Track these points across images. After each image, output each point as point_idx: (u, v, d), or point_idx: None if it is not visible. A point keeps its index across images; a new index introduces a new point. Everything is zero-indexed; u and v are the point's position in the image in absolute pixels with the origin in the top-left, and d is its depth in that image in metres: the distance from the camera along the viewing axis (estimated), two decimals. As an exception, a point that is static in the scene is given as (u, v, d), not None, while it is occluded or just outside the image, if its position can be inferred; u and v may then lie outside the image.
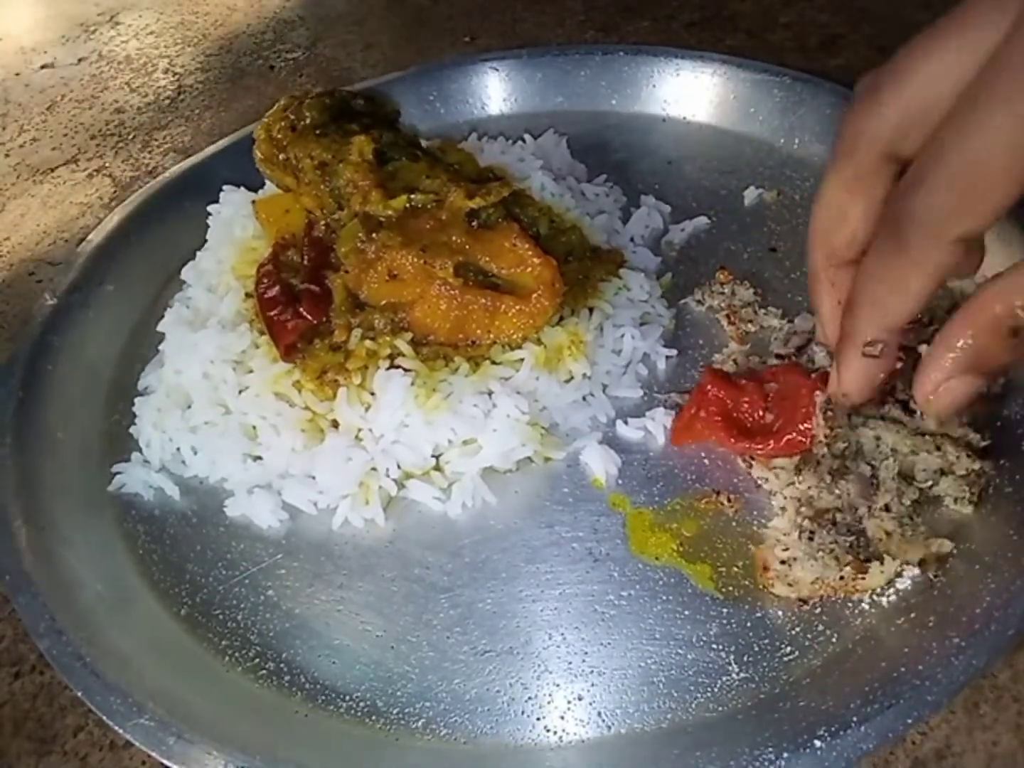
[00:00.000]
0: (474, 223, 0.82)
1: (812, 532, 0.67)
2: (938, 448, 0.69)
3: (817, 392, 0.70)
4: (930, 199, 0.49)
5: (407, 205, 0.81)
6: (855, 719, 0.55)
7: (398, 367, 0.79)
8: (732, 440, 0.75)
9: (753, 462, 0.75)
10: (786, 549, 0.68)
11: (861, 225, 0.58)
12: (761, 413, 0.76)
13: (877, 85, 0.54)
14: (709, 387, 0.77)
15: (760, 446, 0.74)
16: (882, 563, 0.65)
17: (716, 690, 0.63)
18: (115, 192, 1.25)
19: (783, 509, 0.71)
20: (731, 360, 0.84)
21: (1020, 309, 0.49)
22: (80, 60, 1.60)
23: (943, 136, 0.48)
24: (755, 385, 0.77)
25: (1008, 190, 0.46)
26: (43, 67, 1.59)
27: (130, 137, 1.37)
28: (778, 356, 0.82)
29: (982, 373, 0.53)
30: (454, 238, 0.81)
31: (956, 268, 0.51)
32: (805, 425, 0.71)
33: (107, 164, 1.32)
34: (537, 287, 0.80)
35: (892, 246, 0.52)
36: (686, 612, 0.67)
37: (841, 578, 0.65)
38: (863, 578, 0.65)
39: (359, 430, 0.79)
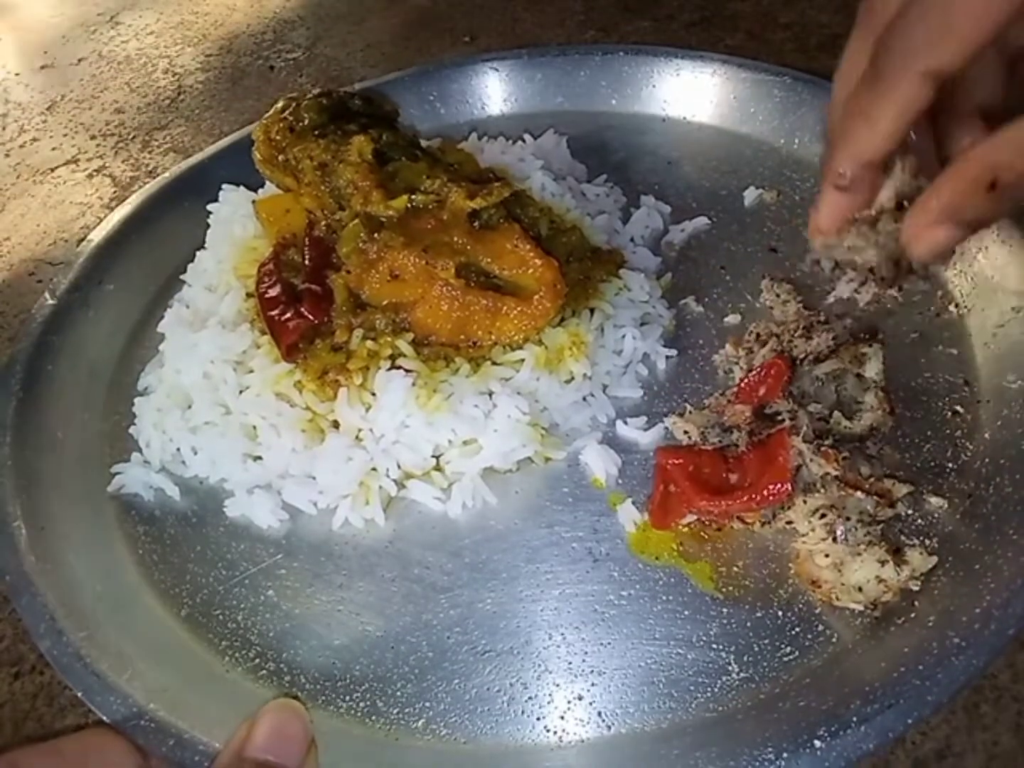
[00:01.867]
0: (475, 224, 0.82)
1: (843, 532, 0.67)
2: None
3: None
4: (904, 31, 0.51)
5: (408, 205, 0.81)
6: (855, 719, 0.55)
7: (399, 367, 0.79)
8: (710, 501, 0.71)
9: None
10: (827, 556, 0.66)
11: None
12: (725, 475, 0.73)
13: None
14: (668, 463, 0.74)
15: (740, 502, 0.70)
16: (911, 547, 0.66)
17: (716, 690, 0.63)
18: (115, 192, 1.25)
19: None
20: (683, 431, 0.79)
21: (999, 166, 0.50)
22: (80, 60, 1.60)
23: None
24: (710, 451, 0.75)
25: (976, 25, 0.49)
26: (43, 67, 1.59)
27: (130, 137, 1.37)
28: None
29: (963, 223, 0.54)
30: (455, 239, 0.81)
31: (923, 104, 0.52)
32: (777, 485, 0.69)
33: (107, 164, 1.32)
34: (539, 288, 0.80)
35: (868, 79, 0.54)
36: (686, 612, 0.67)
37: (898, 572, 0.64)
38: (907, 565, 0.65)
39: (359, 430, 0.79)
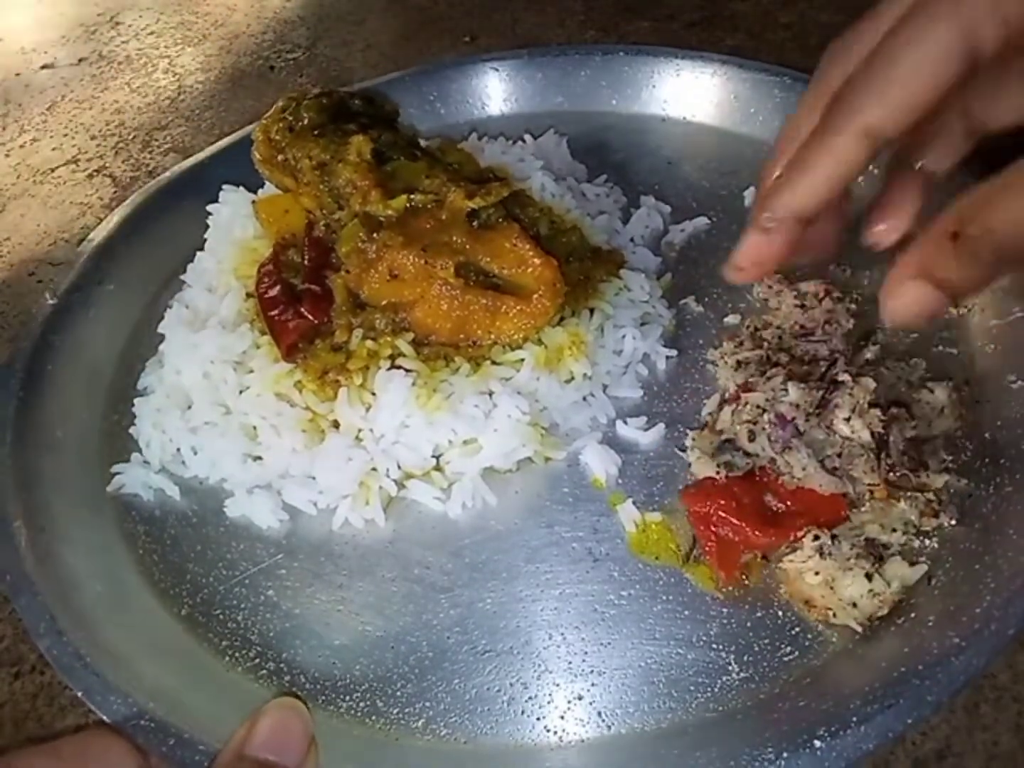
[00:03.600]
0: (475, 223, 0.82)
1: (828, 547, 0.66)
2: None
3: None
4: (851, 87, 0.52)
5: (407, 205, 0.81)
6: (855, 719, 0.55)
7: (399, 367, 0.79)
8: (766, 535, 0.68)
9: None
10: (817, 573, 0.66)
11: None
12: (762, 499, 0.71)
13: (854, 26, 0.57)
14: (709, 510, 0.70)
15: (796, 529, 0.68)
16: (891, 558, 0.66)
17: (716, 690, 0.63)
18: (115, 192, 1.25)
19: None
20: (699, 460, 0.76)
21: (961, 219, 0.50)
22: (80, 60, 1.60)
23: (877, 47, 0.52)
24: (737, 480, 0.72)
25: (918, 87, 0.50)
26: (43, 67, 1.59)
27: (130, 137, 1.37)
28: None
29: (938, 285, 0.52)
30: (455, 238, 0.81)
31: (862, 163, 0.53)
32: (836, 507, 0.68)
33: (107, 164, 1.32)
34: (538, 287, 0.80)
35: (813, 136, 0.55)
36: (686, 612, 0.67)
37: (888, 584, 0.64)
38: (896, 577, 0.65)
39: (359, 430, 0.79)
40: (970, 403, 0.77)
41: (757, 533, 0.69)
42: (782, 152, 0.62)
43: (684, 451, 0.78)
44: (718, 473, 0.73)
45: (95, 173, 1.30)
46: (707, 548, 0.70)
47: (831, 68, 0.58)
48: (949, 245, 0.50)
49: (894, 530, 0.67)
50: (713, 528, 0.70)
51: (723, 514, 0.70)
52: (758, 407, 0.73)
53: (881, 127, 0.51)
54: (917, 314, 0.53)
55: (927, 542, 0.68)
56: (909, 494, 0.68)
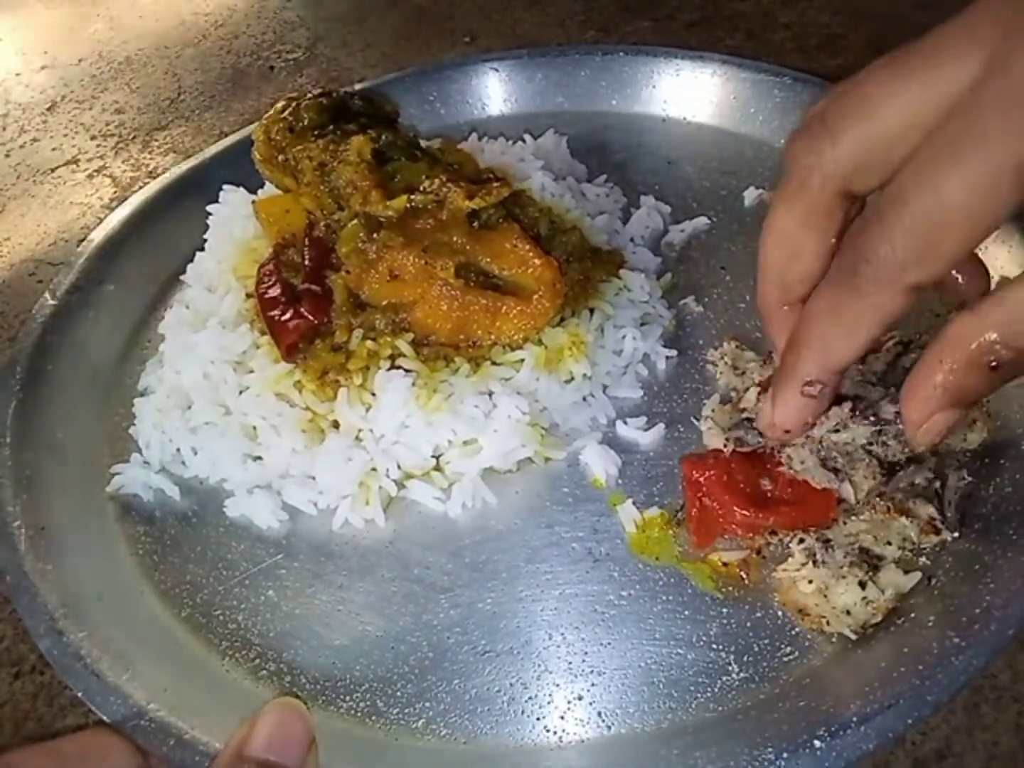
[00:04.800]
0: (475, 224, 0.82)
1: (821, 554, 0.66)
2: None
3: None
4: (889, 245, 0.47)
5: (407, 205, 0.81)
6: (855, 719, 0.55)
7: (399, 368, 0.79)
8: (750, 515, 0.69)
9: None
10: (810, 581, 0.65)
11: (815, 263, 0.56)
12: (758, 481, 0.70)
13: (833, 117, 0.51)
14: (701, 475, 0.71)
15: (782, 518, 0.68)
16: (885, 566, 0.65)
17: (716, 690, 0.63)
18: (115, 192, 1.25)
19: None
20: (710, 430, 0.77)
21: (998, 345, 0.48)
22: (80, 60, 1.60)
23: (906, 180, 0.46)
24: (739, 457, 0.71)
25: (967, 240, 0.45)
26: (43, 67, 1.59)
27: (130, 137, 1.37)
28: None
29: (965, 405, 0.52)
30: (455, 239, 0.81)
31: (907, 313, 0.50)
32: (824, 506, 0.67)
33: (107, 164, 1.32)
34: (538, 288, 0.80)
35: (845, 288, 0.51)
36: (686, 612, 0.67)
37: (882, 592, 0.64)
38: (890, 585, 0.64)
39: (359, 430, 0.79)
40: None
41: (740, 510, 0.69)
42: (771, 275, 0.59)
43: (698, 420, 0.78)
44: (726, 446, 0.72)
45: (95, 173, 1.30)
46: (690, 513, 0.71)
47: (811, 174, 0.52)
48: (988, 375, 0.48)
49: (889, 543, 0.67)
50: (700, 496, 0.71)
51: (713, 485, 0.70)
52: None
53: (930, 280, 0.48)
54: (945, 434, 0.53)
55: (922, 554, 0.67)
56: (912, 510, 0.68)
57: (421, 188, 0.83)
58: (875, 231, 0.48)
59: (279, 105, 0.92)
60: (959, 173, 0.44)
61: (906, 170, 0.47)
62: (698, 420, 0.80)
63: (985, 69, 0.44)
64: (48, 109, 1.47)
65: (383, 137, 0.87)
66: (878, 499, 0.68)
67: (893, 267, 0.47)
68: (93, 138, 1.38)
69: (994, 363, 0.48)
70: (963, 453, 0.72)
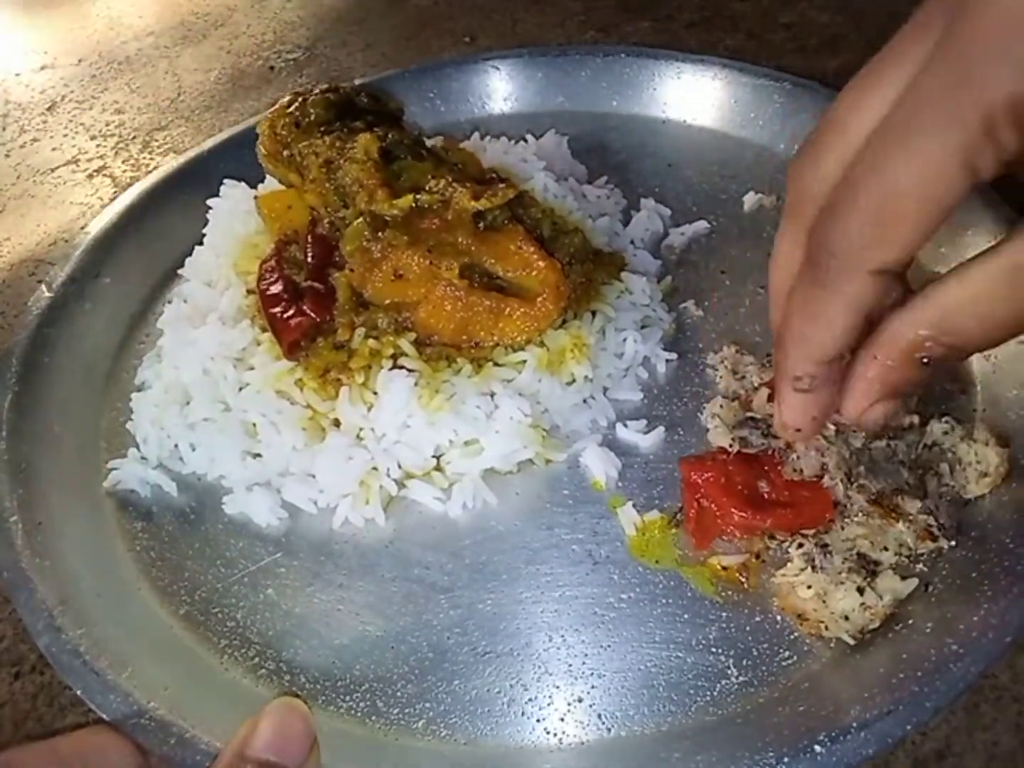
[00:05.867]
0: (480, 225, 0.82)
1: (819, 560, 0.66)
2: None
3: None
4: (844, 231, 0.48)
5: (413, 205, 0.81)
6: (855, 724, 0.55)
7: (401, 367, 0.79)
8: (747, 517, 0.69)
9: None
10: (809, 587, 0.66)
11: None
12: (756, 483, 0.71)
13: (815, 139, 0.53)
14: (699, 477, 0.72)
15: (778, 521, 0.69)
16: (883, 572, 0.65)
17: (716, 694, 0.63)
18: (115, 192, 1.25)
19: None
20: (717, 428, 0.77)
21: (927, 341, 0.49)
22: (80, 60, 1.59)
23: (856, 170, 0.47)
24: (737, 458, 0.73)
25: (921, 222, 0.46)
26: (43, 67, 1.59)
27: (130, 137, 1.37)
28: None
29: (901, 396, 0.55)
30: (460, 239, 0.81)
31: (879, 299, 0.50)
32: (821, 511, 0.68)
33: (107, 164, 1.32)
34: (542, 290, 0.80)
35: (811, 280, 0.51)
36: (686, 616, 0.67)
37: (880, 597, 0.64)
38: (888, 591, 0.64)
39: (360, 429, 0.79)
40: (967, 411, 0.77)
41: (737, 511, 0.70)
42: (778, 297, 0.59)
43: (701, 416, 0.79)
44: (731, 445, 0.73)
45: (95, 173, 1.30)
46: (688, 515, 0.72)
47: (802, 197, 0.54)
48: (921, 369, 0.50)
49: (885, 548, 0.67)
50: (698, 497, 0.72)
51: (711, 486, 0.71)
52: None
53: (895, 263, 0.48)
54: (882, 422, 0.55)
55: (920, 561, 0.67)
56: (909, 516, 0.68)
57: (427, 188, 0.83)
58: (830, 222, 0.49)
59: (285, 100, 0.92)
60: (905, 159, 0.44)
61: (856, 161, 0.48)
62: (701, 416, 0.80)
63: (926, 60, 0.44)
64: (48, 109, 1.47)
65: (390, 135, 0.87)
66: (868, 502, 0.68)
67: (852, 255, 0.48)
68: (93, 138, 1.38)
69: (925, 359, 0.50)
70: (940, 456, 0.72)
